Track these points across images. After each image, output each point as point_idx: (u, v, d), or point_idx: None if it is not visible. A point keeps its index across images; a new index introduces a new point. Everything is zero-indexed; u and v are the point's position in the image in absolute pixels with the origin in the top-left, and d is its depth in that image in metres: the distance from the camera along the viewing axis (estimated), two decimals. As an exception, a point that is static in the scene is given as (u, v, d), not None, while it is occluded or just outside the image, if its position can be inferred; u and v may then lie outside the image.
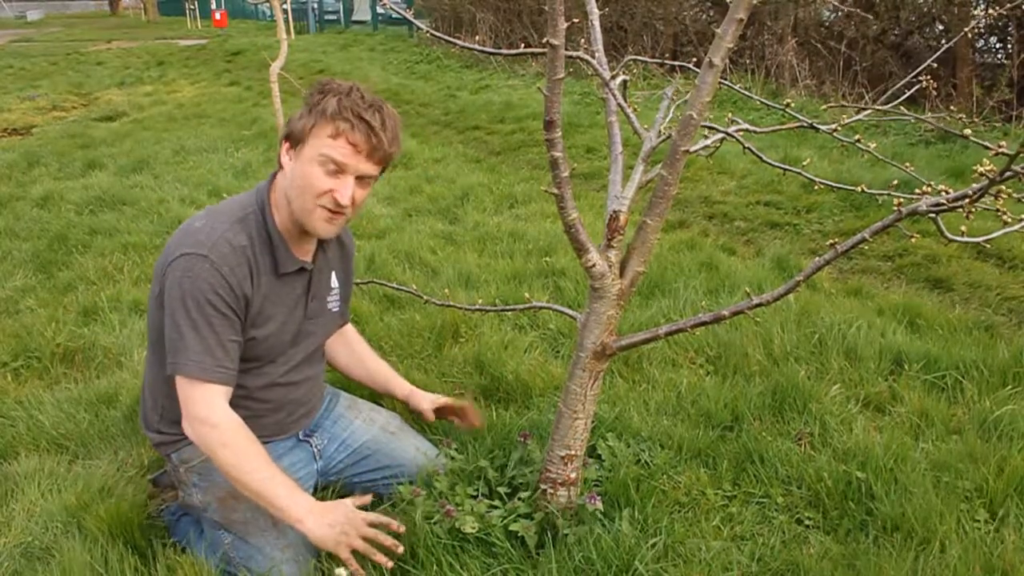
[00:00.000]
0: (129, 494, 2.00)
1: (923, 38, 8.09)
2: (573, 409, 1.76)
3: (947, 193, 1.37)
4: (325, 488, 1.98)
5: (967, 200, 1.32)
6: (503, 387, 2.52)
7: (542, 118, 1.49)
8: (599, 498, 1.83)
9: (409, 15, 2.26)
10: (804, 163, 1.94)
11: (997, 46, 7.70)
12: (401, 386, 2.15)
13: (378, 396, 2.28)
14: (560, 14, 1.38)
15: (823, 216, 4.56)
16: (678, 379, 2.57)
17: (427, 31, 1.81)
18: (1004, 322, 3.15)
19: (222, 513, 1.77)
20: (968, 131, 1.54)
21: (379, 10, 19.47)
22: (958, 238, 1.36)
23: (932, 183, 1.43)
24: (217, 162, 6.00)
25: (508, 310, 2.39)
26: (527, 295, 2.34)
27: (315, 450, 1.97)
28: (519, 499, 1.86)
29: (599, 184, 5.43)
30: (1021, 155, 1.24)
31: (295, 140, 1.65)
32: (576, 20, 1.54)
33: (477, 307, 2.25)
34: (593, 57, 1.85)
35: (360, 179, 1.65)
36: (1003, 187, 1.30)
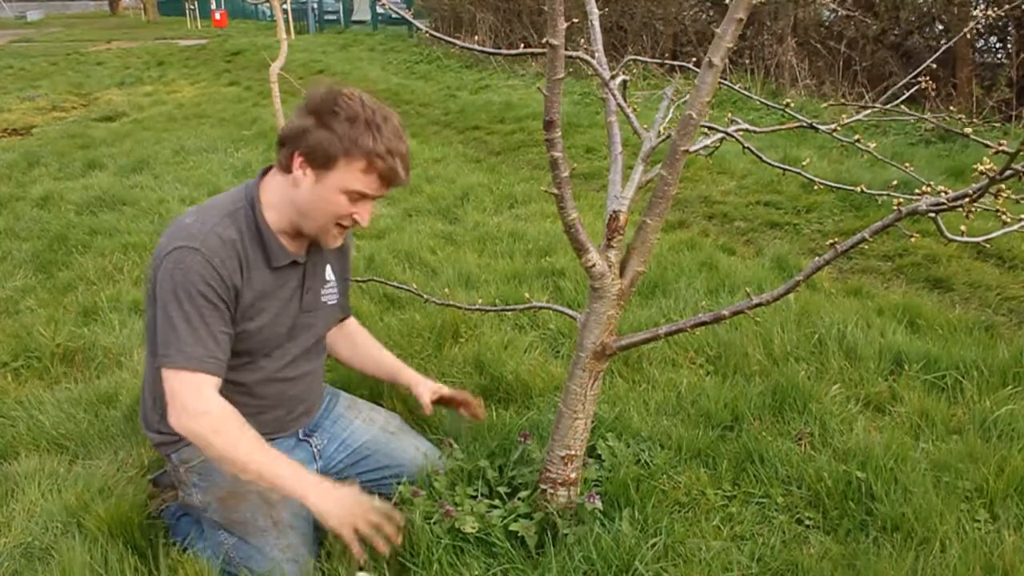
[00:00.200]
0: (129, 494, 2.00)
1: (923, 38, 8.09)
2: (573, 409, 1.76)
3: (947, 193, 1.37)
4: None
5: (967, 200, 1.32)
6: (503, 387, 2.52)
7: (542, 118, 1.49)
8: (599, 498, 1.83)
9: (409, 15, 2.26)
10: (804, 163, 1.95)
11: (997, 46, 7.70)
12: (409, 375, 2.13)
13: (378, 396, 2.29)
14: (560, 14, 1.38)
15: (823, 216, 4.56)
16: (678, 379, 2.57)
17: (427, 31, 1.81)
18: (1004, 322, 3.15)
19: (222, 513, 1.77)
20: (968, 130, 1.55)
21: (379, 10, 19.46)
22: (958, 238, 1.36)
23: (932, 183, 1.43)
24: (217, 162, 6.00)
25: (508, 310, 2.39)
26: (527, 295, 2.34)
27: (315, 450, 1.97)
28: (519, 499, 1.86)
29: (599, 184, 5.43)
30: (1021, 153, 1.24)
31: (317, 162, 1.61)
32: (576, 20, 1.54)
33: (477, 307, 2.25)
34: (593, 57, 1.85)
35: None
36: (1003, 186, 1.30)
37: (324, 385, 2.08)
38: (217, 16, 22.23)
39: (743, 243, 4.29)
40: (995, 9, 5.82)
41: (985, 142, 1.40)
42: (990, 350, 2.74)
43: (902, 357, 2.70)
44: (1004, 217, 1.37)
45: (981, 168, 1.28)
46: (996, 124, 6.12)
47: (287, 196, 1.69)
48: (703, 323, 1.63)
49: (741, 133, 1.83)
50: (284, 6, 12.93)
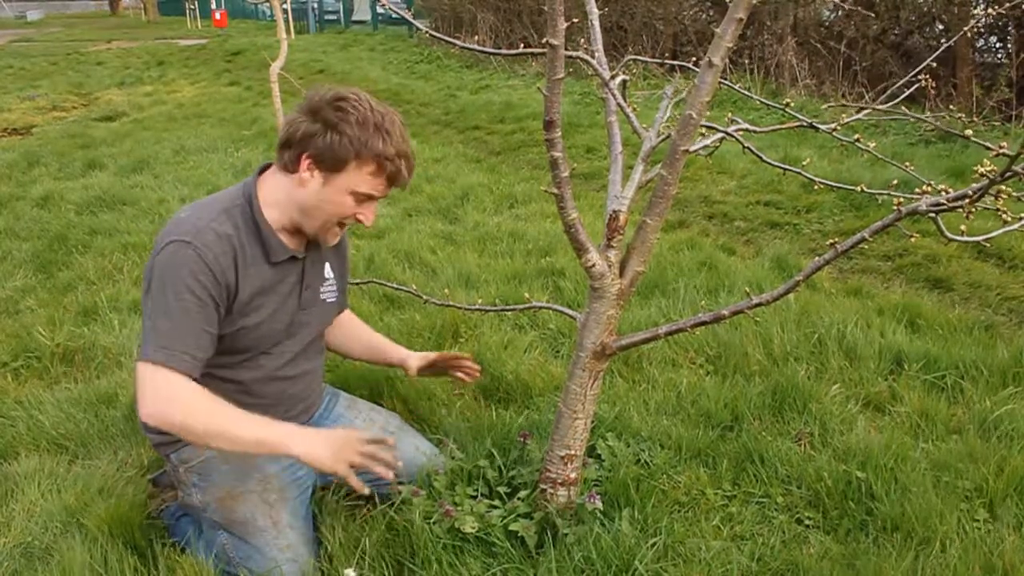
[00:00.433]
0: (129, 494, 2.00)
1: (923, 38, 8.09)
2: (573, 409, 1.76)
3: (947, 193, 1.37)
4: (325, 488, 1.98)
5: (967, 200, 1.32)
6: (503, 387, 2.52)
7: (542, 118, 1.49)
8: (599, 498, 1.83)
9: (409, 15, 2.26)
10: (804, 163, 1.94)
11: (997, 46, 7.70)
12: (397, 351, 2.14)
13: (378, 396, 2.29)
14: (560, 14, 1.38)
15: (823, 216, 4.56)
16: (678, 379, 2.57)
17: (427, 31, 1.81)
18: (1004, 322, 3.15)
19: (221, 513, 1.77)
20: (969, 131, 1.54)
21: (379, 10, 19.47)
22: (958, 238, 1.36)
23: (932, 183, 1.43)
24: (217, 162, 6.00)
25: (508, 310, 2.39)
26: (527, 295, 2.34)
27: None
28: (519, 499, 1.86)
29: (599, 184, 5.43)
30: (1022, 156, 1.24)
31: (327, 164, 1.63)
32: (576, 20, 1.54)
33: (477, 307, 2.25)
34: (593, 57, 1.85)
35: None
36: (1003, 187, 1.30)
37: (324, 385, 2.08)
38: (217, 16, 22.22)
39: (743, 243, 4.29)
40: (995, 8, 5.83)
41: (985, 144, 1.40)
42: (990, 350, 2.74)
43: (902, 357, 2.70)
44: (1004, 216, 1.37)
45: (982, 170, 1.28)
46: (996, 124, 6.11)
47: (290, 196, 1.69)
48: (703, 323, 1.63)
49: (741, 133, 1.83)
50: (284, 6, 12.93)
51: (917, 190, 1.41)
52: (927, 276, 3.68)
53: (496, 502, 1.86)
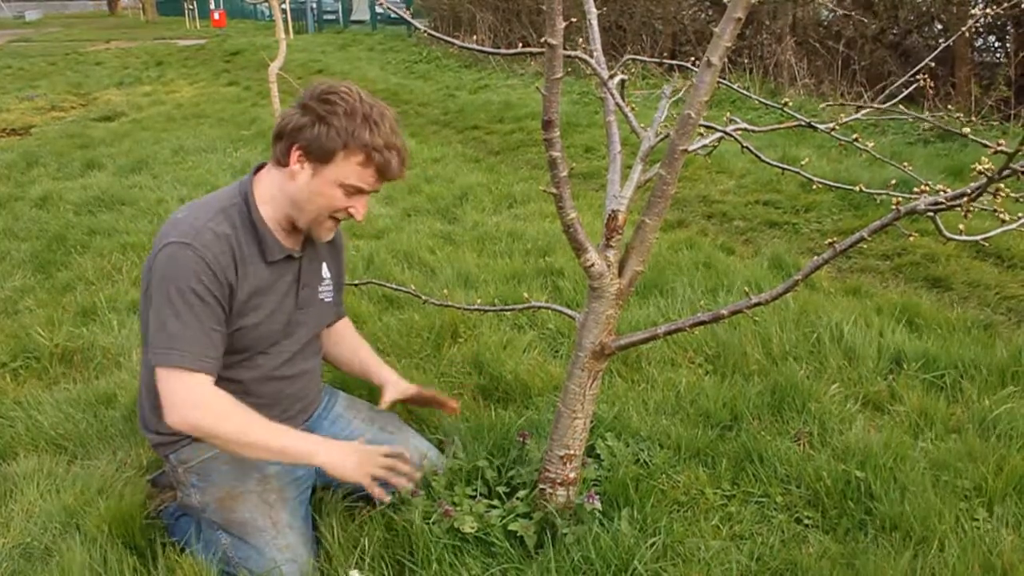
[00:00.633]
0: (128, 494, 2.00)
1: (922, 37, 8.09)
2: (572, 409, 1.76)
3: (945, 192, 1.37)
4: (325, 488, 1.98)
5: (965, 199, 1.32)
6: (502, 387, 2.52)
7: (541, 117, 1.49)
8: (598, 498, 1.83)
9: (408, 15, 2.26)
10: (803, 162, 1.94)
11: (996, 45, 7.70)
12: (381, 374, 2.09)
13: (378, 396, 2.28)
14: (558, 13, 1.38)
15: (822, 215, 4.56)
16: (677, 378, 2.57)
17: (426, 31, 1.80)
18: (1003, 321, 3.15)
19: (221, 514, 1.77)
20: (967, 129, 1.54)
21: (378, 10, 19.47)
22: (956, 237, 1.36)
23: (930, 182, 1.43)
24: (216, 162, 5.99)
25: (507, 310, 2.39)
26: (526, 295, 2.34)
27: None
28: (518, 499, 1.86)
29: (598, 184, 5.43)
30: (1020, 153, 1.24)
31: (315, 155, 1.64)
32: (574, 19, 1.54)
33: (476, 307, 2.25)
34: (591, 56, 1.85)
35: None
36: (1001, 186, 1.30)
37: (323, 385, 2.08)
38: (216, 16, 22.22)
39: (742, 242, 4.29)
40: (993, 8, 5.83)
41: (984, 142, 1.40)
42: (989, 349, 2.74)
43: (901, 356, 2.70)
44: (1003, 216, 1.37)
45: (979, 168, 1.28)
46: (995, 123, 6.12)
47: (283, 189, 1.70)
48: (702, 322, 1.63)
49: (740, 132, 1.83)
50: (283, 6, 12.93)
51: (915, 189, 1.41)
52: (926, 275, 3.69)
53: (495, 502, 1.86)
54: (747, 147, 1.82)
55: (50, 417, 2.39)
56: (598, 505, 1.82)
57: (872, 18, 7.71)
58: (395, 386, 2.06)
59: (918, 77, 2.01)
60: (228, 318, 1.68)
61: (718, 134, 1.82)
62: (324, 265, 1.91)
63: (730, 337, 2.80)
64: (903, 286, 3.59)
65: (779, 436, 2.26)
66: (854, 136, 1.82)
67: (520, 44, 1.95)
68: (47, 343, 2.88)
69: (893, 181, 1.96)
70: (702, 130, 1.81)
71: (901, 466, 2.07)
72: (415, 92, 9.73)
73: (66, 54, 16.25)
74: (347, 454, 1.69)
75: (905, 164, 1.84)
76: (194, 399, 1.61)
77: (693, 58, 2.05)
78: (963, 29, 2.44)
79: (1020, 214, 1.38)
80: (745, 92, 2.16)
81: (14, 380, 2.73)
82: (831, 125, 1.85)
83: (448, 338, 2.88)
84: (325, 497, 1.95)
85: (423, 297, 2.28)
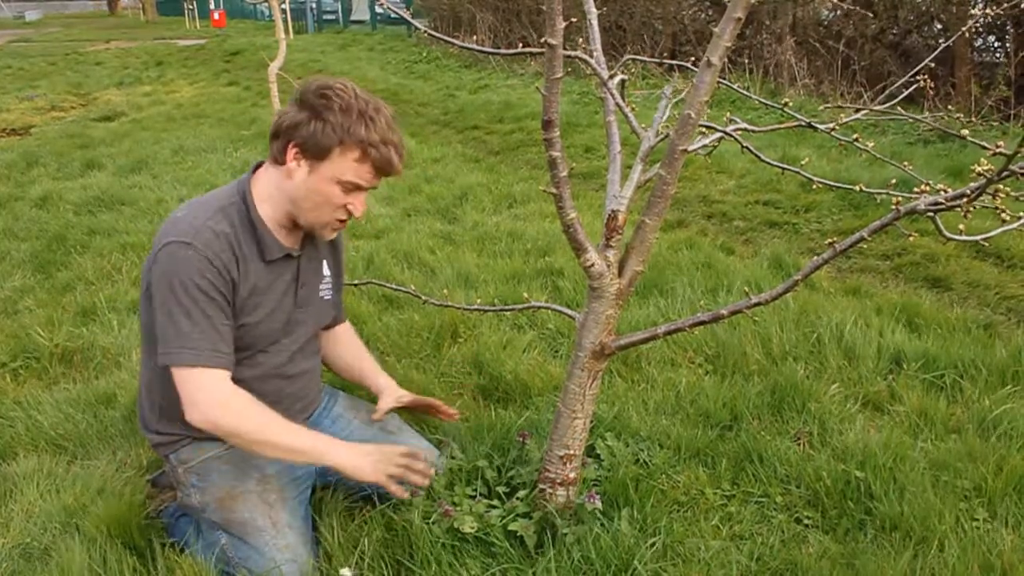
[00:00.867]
0: (128, 495, 2.00)
1: (922, 37, 8.09)
2: (572, 409, 1.76)
3: (945, 192, 1.37)
4: (324, 488, 1.98)
5: (965, 199, 1.32)
6: (502, 387, 2.52)
7: (540, 117, 1.49)
8: (598, 497, 1.83)
9: (407, 15, 2.26)
10: (803, 162, 1.94)
11: (995, 45, 7.70)
12: (377, 382, 2.09)
13: (378, 395, 2.28)
14: (558, 13, 1.38)
15: (822, 215, 4.56)
16: (677, 378, 2.57)
17: (425, 31, 1.80)
18: (1003, 321, 3.15)
19: (221, 514, 1.77)
20: (966, 131, 1.54)
21: (377, 10, 19.46)
22: (956, 237, 1.36)
23: (930, 182, 1.43)
24: (216, 162, 5.99)
25: (507, 310, 2.39)
26: (526, 295, 2.34)
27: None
28: (518, 499, 1.86)
29: (598, 184, 5.43)
30: (1019, 154, 1.24)
31: (311, 152, 1.63)
32: (575, 20, 1.54)
33: (476, 307, 2.25)
34: (591, 56, 1.85)
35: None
36: (1001, 186, 1.30)
37: (323, 385, 2.08)
38: (216, 16, 22.21)
39: (742, 242, 4.29)
40: (993, 7, 5.83)
41: (983, 144, 1.40)
42: (989, 349, 2.74)
43: (901, 356, 2.70)
44: (1003, 216, 1.37)
45: (979, 169, 1.28)
46: (994, 123, 6.12)
47: (281, 188, 1.69)
48: (702, 322, 1.63)
49: (740, 132, 1.83)
50: (283, 6, 12.93)
51: (915, 189, 1.41)
52: (926, 275, 3.69)
53: (495, 502, 1.86)
54: (747, 147, 1.82)
55: (50, 417, 2.38)
56: (598, 505, 1.82)
57: (872, 18, 7.71)
58: (391, 394, 2.06)
59: (918, 77, 2.01)
60: (233, 313, 1.68)
61: (718, 134, 1.82)
62: (324, 263, 1.91)
63: (730, 337, 2.80)
64: (903, 286, 3.59)
65: (779, 436, 2.26)
66: (854, 136, 1.82)
67: (520, 44, 1.95)
68: (47, 343, 2.88)
69: (893, 181, 1.96)
70: (702, 130, 1.81)
71: (901, 466, 2.07)
72: (415, 92, 9.73)
73: (66, 54, 16.25)
74: (364, 454, 1.70)
75: (905, 164, 1.84)
76: (216, 397, 1.62)
77: (693, 58, 2.05)
78: (963, 29, 2.44)
79: (1020, 214, 1.38)
80: (745, 92, 2.16)
81: (14, 380, 2.73)
82: (831, 125, 1.85)
83: (448, 338, 2.88)
84: (325, 497, 1.95)
85: (423, 297, 2.28)
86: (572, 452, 1.79)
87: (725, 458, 2.15)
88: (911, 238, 1.62)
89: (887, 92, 2.14)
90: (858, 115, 2.06)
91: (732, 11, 1.36)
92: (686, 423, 2.32)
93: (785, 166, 1.89)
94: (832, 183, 1.88)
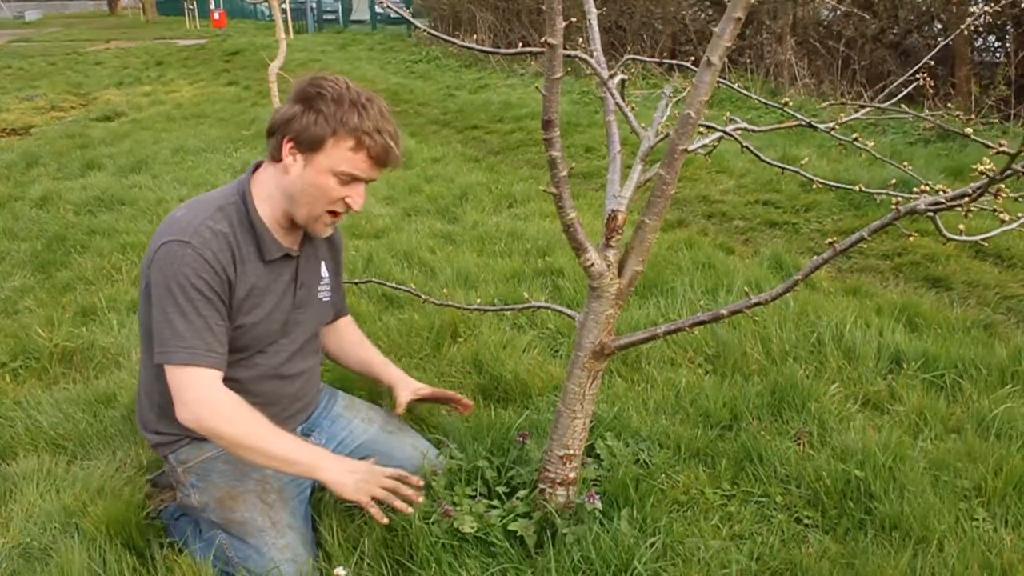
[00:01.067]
0: (127, 494, 2.00)
1: (921, 37, 8.09)
2: (572, 408, 1.76)
3: (945, 192, 1.37)
4: (324, 488, 1.97)
5: (965, 199, 1.32)
6: (502, 387, 2.52)
7: (540, 117, 1.49)
8: (598, 497, 1.83)
9: (408, 14, 2.26)
10: (803, 162, 1.94)
11: (995, 44, 7.71)
12: (391, 374, 2.09)
13: (377, 396, 2.28)
14: (558, 13, 1.38)
15: (822, 215, 4.56)
16: (677, 378, 2.57)
17: (426, 30, 1.80)
18: (1003, 321, 3.15)
19: (220, 513, 1.77)
20: (969, 130, 1.54)
21: (378, 9, 19.47)
22: (956, 237, 1.36)
23: (930, 182, 1.43)
24: (216, 162, 5.99)
25: (507, 310, 2.39)
26: (526, 294, 2.34)
27: (313, 449, 1.97)
28: (518, 499, 1.86)
29: (598, 183, 5.43)
30: (1022, 154, 1.24)
31: (306, 145, 1.63)
32: (575, 19, 1.54)
33: (476, 307, 2.25)
34: (591, 56, 1.85)
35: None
36: (1002, 186, 1.30)
37: (322, 384, 2.08)
38: (216, 16, 22.21)
39: (742, 242, 4.29)
40: (993, 7, 5.83)
41: (984, 142, 1.40)
42: (988, 349, 2.74)
43: (901, 356, 2.70)
44: (1002, 216, 1.36)
45: (981, 168, 1.28)
46: (995, 122, 6.12)
47: (278, 186, 1.69)
48: (702, 322, 1.63)
49: (740, 132, 1.83)
50: (283, 6, 12.93)
51: (915, 189, 1.41)
52: (926, 275, 3.69)
53: (495, 502, 1.86)
54: (747, 147, 1.82)
55: (50, 417, 2.38)
56: (598, 505, 1.82)
57: (872, 18, 7.71)
58: (407, 386, 2.06)
59: (918, 76, 2.01)
60: (229, 314, 1.68)
61: (718, 134, 1.82)
62: (323, 264, 1.91)
63: (730, 337, 2.80)
64: (903, 286, 3.59)
65: (779, 436, 2.26)
66: (854, 136, 1.81)
67: (520, 44, 1.95)
68: (47, 343, 2.88)
69: (893, 181, 1.96)
70: (702, 130, 1.81)
71: (900, 466, 2.07)
72: (415, 92, 9.73)
73: (66, 54, 16.24)
74: (350, 471, 1.65)
75: (905, 164, 1.84)
76: (204, 397, 1.61)
77: (693, 58, 2.05)
78: (962, 28, 2.44)
79: (1020, 214, 1.38)
80: (745, 92, 2.16)
81: (14, 380, 2.72)
82: (831, 125, 1.85)
83: (448, 338, 2.88)
84: (325, 497, 1.95)
85: (423, 296, 2.28)
86: (572, 452, 1.79)
87: (725, 458, 2.15)
88: (911, 238, 1.62)
89: (887, 91, 2.14)
90: (859, 114, 2.06)
91: (732, 11, 1.36)
92: (686, 423, 2.32)
93: (785, 166, 1.89)
94: (832, 183, 1.88)
